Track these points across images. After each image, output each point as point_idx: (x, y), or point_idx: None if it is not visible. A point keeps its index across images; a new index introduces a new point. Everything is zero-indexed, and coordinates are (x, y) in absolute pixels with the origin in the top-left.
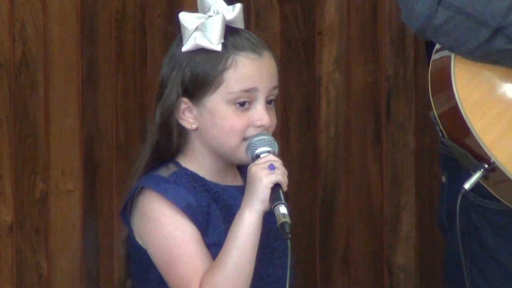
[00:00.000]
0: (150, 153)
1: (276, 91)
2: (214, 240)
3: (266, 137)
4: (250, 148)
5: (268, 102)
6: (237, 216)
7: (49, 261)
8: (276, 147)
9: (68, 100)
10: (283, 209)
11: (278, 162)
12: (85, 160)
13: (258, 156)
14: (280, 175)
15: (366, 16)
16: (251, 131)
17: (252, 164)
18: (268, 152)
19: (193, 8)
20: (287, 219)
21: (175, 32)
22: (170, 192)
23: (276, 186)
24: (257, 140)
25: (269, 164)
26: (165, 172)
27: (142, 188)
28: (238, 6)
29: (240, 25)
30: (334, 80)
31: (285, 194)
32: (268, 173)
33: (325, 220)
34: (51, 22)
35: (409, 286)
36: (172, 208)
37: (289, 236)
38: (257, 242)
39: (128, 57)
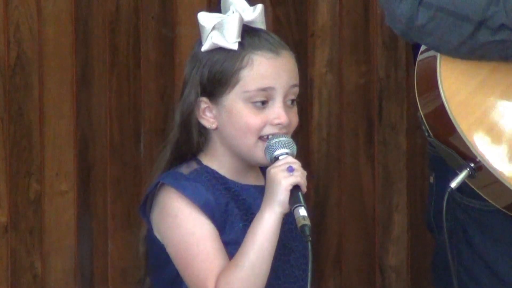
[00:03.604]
0: (171, 152)
1: (296, 90)
2: (231, 238)
3: (284, 138)
4: (268, 149)
5: (290, 101)
6: (256, 217)
7: (43, 261)
8: (294, 149)
9: (63, 102)
10: (303, 212)
11: (297, 164)
12: (79, 161)
13: (276, 158)
14: (299, 176)
15: (358, 18)
16: (268, 130)
17: (271, 166)
18: (287, 154)
19: (186, 11)
20: (307, 222)
21: (169, 34)
22: (188, 189)
23: (295, 188)
24: (275, 142)
25: (288, 166)
26: (185, 169)
27: (162, 184)
28: (259, 7)
29: (261, 25)
30: (326, 81)
31: (304, 195)
32: (287, 175)
33: (317, 221)
34: (45, 25)
35: (401, 287)
36: (191, 206)
37: (309, 238)
38: (275, 244)
39: (122, 59)
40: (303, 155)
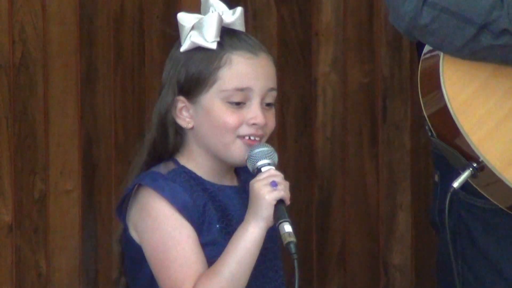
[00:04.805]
0: (147, 152)
1: (273, 94)
2: (208, 240)
3: (266, 148)
4: (250, 160)
5: (267, 104)
6: (240, 229)
7: (48, 260)
8: (275, 158)
9: (67, 101)
10: (288, 228)
11: (279, 177)
12: (83, 160)
13: (259, 170)
14: (282, 190)
15: (362, 17)
16: (244, 129)
17: (254, 180)
18: (269, 164)
19: (191, 10)
20: (293, 239)
21: (173, 33)
22: (166, 190)
23: (279, 202)
24: (257, 152)
25: (271, 180)
26: (163, 169)
27: (140, 185)
28: (239, 10)
29: (240, 28)
30: (330, 81)
31: (288, 208)
32: (270, 190)
33: (322, 219)
34: (50, 24)
35: (405, 285)
36: (170, 207)
37: (296, 256)
38: (256, 256)
39: (127, 58)
40: (307, 154)
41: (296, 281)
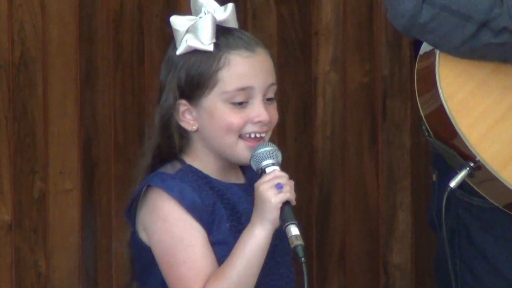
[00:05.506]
0: (152, 156)
1: (274, 88)
2: (218, 239)
3: (269, 148)
4: (254, 159)
5: (268, 99)
6: (246, 231)
7: (47, 260)
8: (279, 157)
9: (67, 100)
10: (295, 230)
11: (284, 178)
12: (83, 160)
13: (263, 170)
14: (288, 192)
15: (362, 17)
16: (248, 128)
17: (259, 182)
18: (273, 164)
19: (190, 9)
20: (300, 241)
21: (172, 33)
22: (176, 190)
23: (285, 204)
24: (261, 152)
25: (276, 183)
26: (170, 169)
27: (149, 186)
28: (230, 6)
29: (233, 24)
30: (330, 80)
31: (293, 208)
32: (276, 192)
33: (321, 219)
34: (49, 23)
35: (405, 285)
36: (180, 208)
37: (304, 260)
38: (263, 258)
39: (126, 57)
40: (307, 153)
41: (305, 284)
